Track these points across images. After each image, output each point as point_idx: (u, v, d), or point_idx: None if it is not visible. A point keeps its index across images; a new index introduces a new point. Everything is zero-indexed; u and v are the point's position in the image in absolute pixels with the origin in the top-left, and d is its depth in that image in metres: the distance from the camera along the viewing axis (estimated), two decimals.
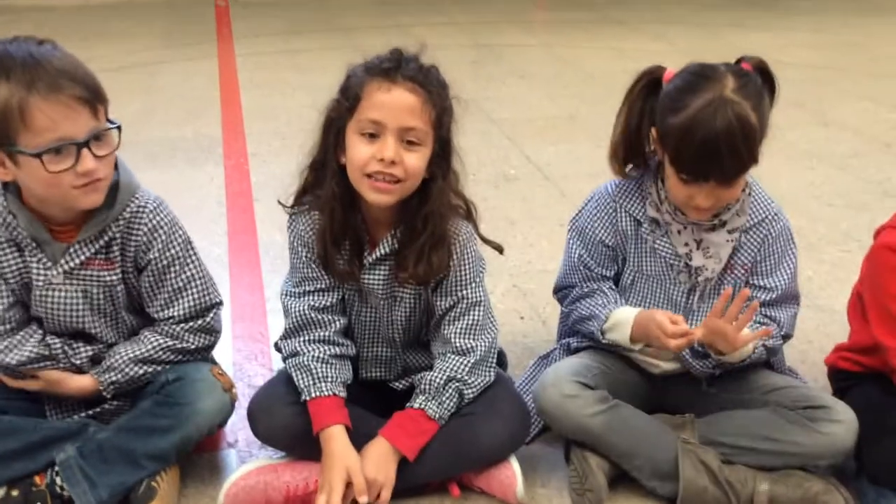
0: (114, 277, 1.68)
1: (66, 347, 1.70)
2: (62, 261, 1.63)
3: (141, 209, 1.67)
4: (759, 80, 1.62)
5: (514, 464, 1.72)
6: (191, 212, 3.07)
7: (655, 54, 5.29)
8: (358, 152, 1.57)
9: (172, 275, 1.70)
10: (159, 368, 1.72)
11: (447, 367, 1.68)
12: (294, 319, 1.72)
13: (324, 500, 1.58)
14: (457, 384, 1.67)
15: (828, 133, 3.96)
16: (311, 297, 1.71)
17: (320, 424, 1.63)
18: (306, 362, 1.67)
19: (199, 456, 1.83)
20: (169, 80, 4.83)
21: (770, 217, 1.75)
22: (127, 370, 1.70)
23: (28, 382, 1.70)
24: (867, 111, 4.27)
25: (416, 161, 1.58)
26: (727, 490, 1.66)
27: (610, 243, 1.79)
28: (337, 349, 1.71)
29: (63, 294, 1.67)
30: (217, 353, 1.88)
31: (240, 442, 1.89)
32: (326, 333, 1.71)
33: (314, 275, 1.71)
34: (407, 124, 1.56)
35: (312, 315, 1.70)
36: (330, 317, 1.72)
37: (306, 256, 1.70)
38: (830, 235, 2.90)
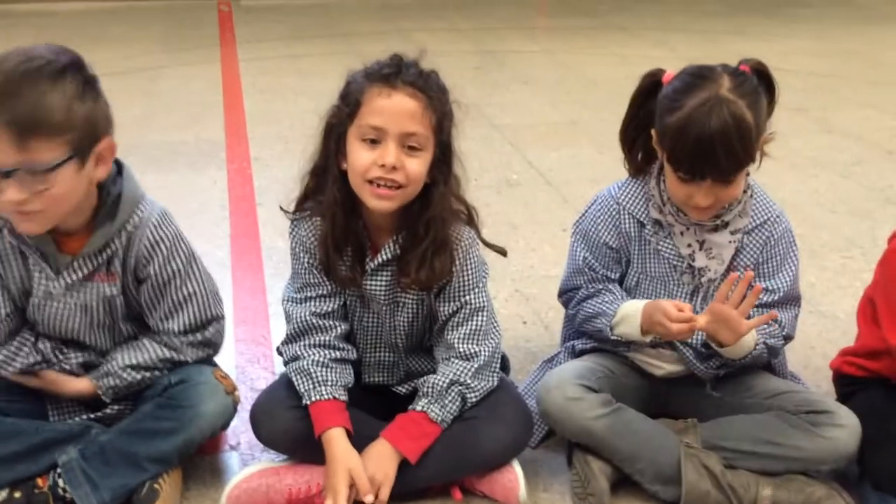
0: (114, 290, 1.67)
1: (57, 353, 1.70)
2: (64, 273, 1.63)
3: (144, 222, 1.64)
4: (755, 80, 1.63)
5: (516, 468, 1.72)
6: (193, 215, 3.08)
7: (657, 61, 5.23)
8: (359, 158, 1.57)
9: (173, 289, 1.69)
10: (158, 374, 1.72)
11: (450, 371, 1.67)
12: (295, 325, 1.72)
13: None
14: (460, 388, 1.67)
15: (831, 140, 3.96)
16: (312, 303, 1.71)
17: (321, 428, 1.62)
18: (306, 366, 1.67)
19: (202, 458, 1.82)
20: (170, 84, 4.83)
21: (772, 219, 1.75)
22: (125, 375, 1.69)
23: (26, 378, 1.69)
24: (869, 119, 4.27)
25: (417, 166, 1.58)
26: (729, 495, 1.66)
27: (614, 245, 1.79)
28: (338, 353, 1.71)
29: (61, 306, 1.66)
30: (219, 357, 1.87)
31: (242, 445, 1.89)
32: (327, 338, 1.71)
33: (316, 280, 1.71)
34: (408, 129, 1.56)
35: (314, 321, 1.70)
36: (331, 322, 1.71)
37: (308, 262, 1.70)
38: (833, 242, 2.90)
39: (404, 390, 1.79)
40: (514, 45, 5.90)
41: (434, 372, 1.71)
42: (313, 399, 1.64)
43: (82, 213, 1.61)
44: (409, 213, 1.64)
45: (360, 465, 1.60)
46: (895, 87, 4.94)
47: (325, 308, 1.71)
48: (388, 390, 1.81)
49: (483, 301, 1.71)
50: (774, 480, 1.67)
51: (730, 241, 1.73)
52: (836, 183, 3.45)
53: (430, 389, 1.66)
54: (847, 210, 3.18)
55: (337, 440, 1.61)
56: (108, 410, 1.73)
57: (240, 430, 1.89)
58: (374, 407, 1.76)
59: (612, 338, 1.75)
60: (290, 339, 1.73)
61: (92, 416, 1.74)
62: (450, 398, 1.66)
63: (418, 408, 1.65)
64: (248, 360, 2.22)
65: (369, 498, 1.58)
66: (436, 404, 1.65)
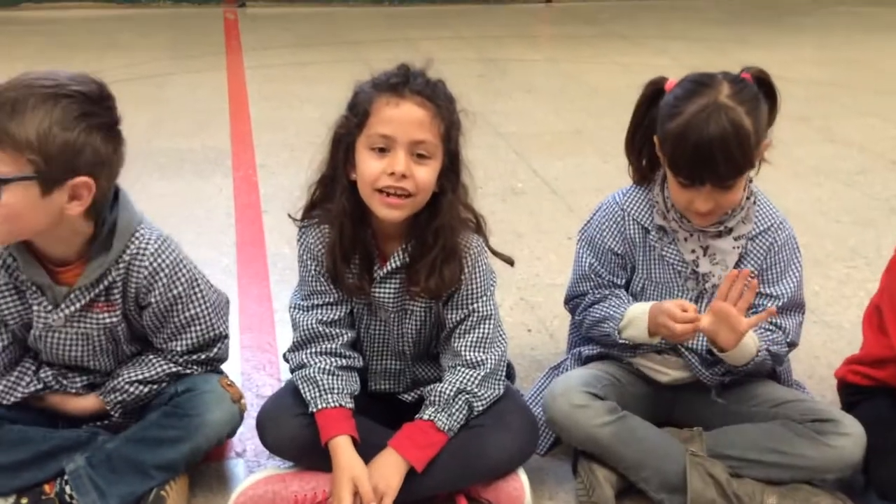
0: (114, 318, 1.66)
1: (60, 378, 1.71)
2: (63, 305, 1.61)
3: (141, 252, 1.61)
4: (755, 87, 1.65)
5: (522, 476, 1.72)
6: (199, 222, 3.09)
7: (659, 69, 5.22)
8: (368, 167, 1.58)
9: (175, 314, 1.68)
10: (164, 386, 1.72)
11: (457, 380, 1.68)
12: (302, 333, 1.72)
13: None
14: (467, 396, 1.67)
15: (834, 149, 3.96)
16: (319, 311, 1.72)
17: (327, 435, 1.63)
18: (313, 374, 1.68)
19: (208, 465, 1.83)
20: (177, 91, 4.85)
21: (776, 225, 1.77)
22: (132, 390, 1.70)
23: (32, 401, 1.71)
24: (873, 128, 4.28)
25: (426, 175, 1.59)
26: (735, 503, 1.66)
27: (619, 251, 1.80)
28: (344, 361, 1.72)
29: (62, 336, 1.66)
30: (225, 364, 1.88)
31: (248, 452, 1.89)
32: (334, 346, 1.71)
33: (323, 288, 1.71)
34: (416, 138, 1.57)
35: (320, 328, 1.71)
36: (338, 330, 1.72)
37: (315, 270, 1.71)
38: (837, 252, 2.91)
39: (410, 398, 1.80)
40: (517, 54, 5.92)
41: (440, 380, 1.72)
42: (320, 407, 1.65)
43: (72, 242, 1.58)
44: (418, 221, 1.65)
45: (365, 474, 1.60)
46: None
47: (331, 316, 1.72)
48: (395, 398, 1.82)
49: (490, 309, 1.72)
50: (780, 490, 1.68)
51: (733, 247, 1.74)
52: (839, 192, 3.46)
53: (437, 398, 1.66)
54: (851, 219, 3.19)
55: (343, 448, 1.62)
56: (114, 418, 1.74)
57: (246, 437, 1.89)
58: (380, 414, 1.76)
59: (620, 341, 1.76)
60: (297, 346, 1.74)
61: (98, 423, 1.74)
62: (457, 407, 1.66)
63: (425, 416, 1.66)
64: (254, 366, 2.23)
65: None
66: (443, 413, 1.65)
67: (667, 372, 1.83)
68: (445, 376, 1.70)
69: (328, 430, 1.63)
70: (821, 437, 1.65)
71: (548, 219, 3.17)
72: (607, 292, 1.81)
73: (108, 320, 1.65)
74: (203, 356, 1.74)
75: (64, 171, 1.46)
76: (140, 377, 1.70)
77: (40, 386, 1.69)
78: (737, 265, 1.76)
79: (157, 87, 4.92)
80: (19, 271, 1.59)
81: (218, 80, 5.10)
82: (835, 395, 1.95)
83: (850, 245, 2.97)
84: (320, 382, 1.66)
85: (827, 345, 2.36)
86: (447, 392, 1.66)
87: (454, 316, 1.71)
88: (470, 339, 1.70)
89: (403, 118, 1.56)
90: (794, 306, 1.79)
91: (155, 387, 1.72)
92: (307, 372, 1.68)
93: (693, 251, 1.76)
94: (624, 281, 1.83)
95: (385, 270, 1.68)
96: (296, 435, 1.68)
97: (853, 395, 1.84)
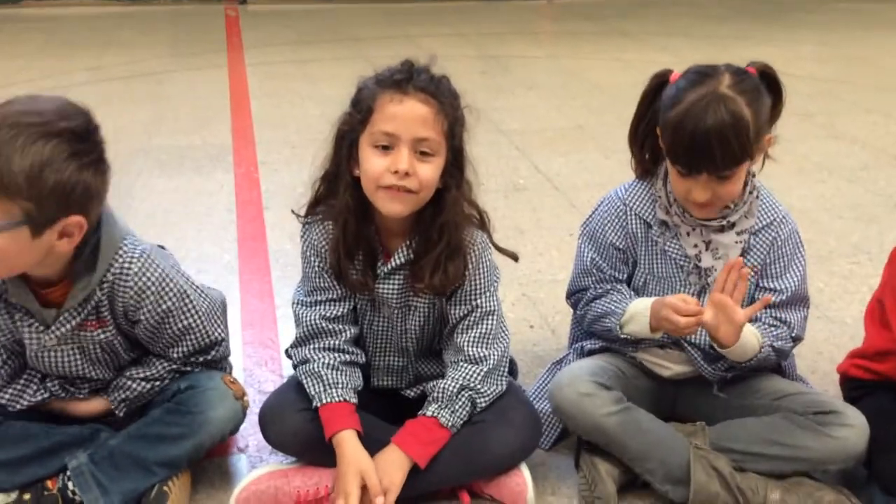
0: (108, 334, 1.64)
1: (66, 385, 1.71)
2: (53, 326, 1.59)
3: (125, 271, 1.57)
4: (757, 80, 1.65)
5: (524, 471, 1.72)
6: (200, 218, 3.09)
7: (661, 66, 5.25)
8: (372, 165, 1.58)
9: (168, 326, 1.66)
10: (167, 383, 1.72)
11: (460, 376, 1.68)
12: (305, 329, 1.72)
13: None
14: (470, 392, 1.67)
15: (837, 146, 3.96)
16: (322, 307, 1.71)
17: (332, 429, 1.63)
18: (317, 369, 1.67)
19: (210, 461, 1.83)
20: (178, 88, 4.85)
21: (778, 220, 1.77)
22: (135, 387, 1.70)
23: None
24: (876, 124, 4.28)
25: (429, 172, 1.58)
26: (738, 497, 1.66)
27: (621, 246, 1.80)
28: (347, 356, 1.71)
29: (59, 353, 1.65)
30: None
31: (251, 447, 1.89)
32: (337, 342, 1.71)
33: (326, 285, 1.71)
34: (420, 135, 1.56)
35: (323, 325, 1.71)
36: (341, 326, 1.72)
37: (318, 266, 1.71)
38: (841, 248, 2.90)
39: (413, 394, 1.79)
40: (519, 51, 5.91)
41: (443, 376, 1.71)
42: (324, 401, 1.64)
43: (55, 265, 1.54)
44: (422, 218, 1.65)
45: (372, 467, 1.60)
46: None
47: (334, 312, 1.71)
48: (397, 394, 1.82)
49: (494, 305, 1.72)
50: (783, 484, 1.67)
51: (736, 242, 1.74)
52: (842, 188, 3.46)
53: (440, 394, 1.66)
54: (854, 216, 3.18)
55: (348, 442, 1.62)
56: (119, 415, 1.73)
57: (248, 432, 1.89)
58: (382, 410, 1.76)
59: (622, 336, 1.76)
60: (300, 342, 1.74)
61: (101, 420, 1.74)
62: (460, 403, 1.66)
63: (429, 413, 1.65)
64: (256, 362, 2.23)
65: (379, 500, 1.58)
66: (446, 409, 1.65)
67: (669, 366, 1.83)
68: (448, 372, 1.70)
69: (333, 424, 1.63)
70: (823, 429, 1.65)
71: (550, 215, 3.16)
72: (609, 287, 1.81)
73: (101, 336, 1.64)
74: (202, 359, 1.74)
75: (56, 212, 1.42)
76: (143, 374, 1.70)
77: (46, 395, 1.69)
78: None
79: (158, 84, 4.92)
80: (9, 294, 1.57)
81: (219, 77, 5.10)
82: (837, 391, 1.95)
83: (853, 241, 2.97)
84: (324, 377, 1.66)
85: (830, 340, 2.35)
86: (450, 388, 1.66)
87: (457, 312, 1.71)
88: (473, 334, 1.70)
89: (407, 115, 1.56)
90: (798, 301, 1.78)
91: (158, 383, 1.71)
92: (311, 367, 1.68)
93: (695, 245, 1.76)
94: (625, 276, 1.83)
95: (389, 267, 1.68)
96: (298, 430, 1.68)
97: (855, 389, 1.84)
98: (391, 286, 1.70)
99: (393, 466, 1.62)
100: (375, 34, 6.37)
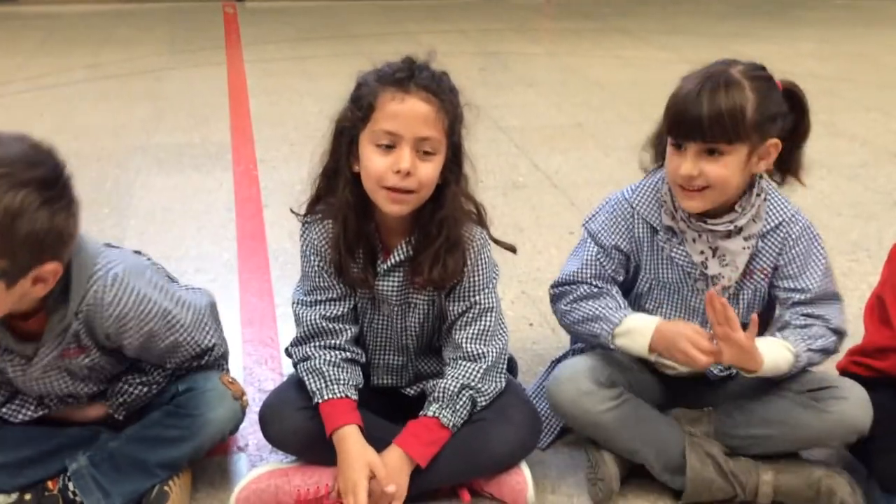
0: (93, 358, 1.61)
1: (65, 399, 1.69)
2: (35, 360, 1.56)
3: (99, 300, 1.51)
4: (771, 79, 1.64)
5: (525, 470, 1.72)
6: (199, 216, 3.09)
7: (661, 63, 5.30)
8: (373, 164, 1.57)
9: (155, 345, 1.62)
10: (164, 385, 1.71)
11: (460, 375, 1.68)
12: (305, 328, 1.72)
13: (352, 502, 1.57)
14: (470, 392, 1.67)
15: (837, 143, 3.95)
16: (322, 307, 1.71)
17: (334, 425, 1.62)
18: (318, 365, 1.67)
19: (210, 460, 1.82)
20: (176, 86, 4.84)
21: (787, 220, 1.73)
22: (132, 390, 1.69)
23: None
24: (876, 121, 4.28)
25: (430, 171, 1.58)
26: (732, 481, 1.68)
27: (625, 249, 1.78)
28: (348, 354, 1.71)
29: (48, 381, 1.63)
30: (228, 359, 1.88)
31: (251, 446, 1.89)
32: (338, 341, 1.71)
33: (326, 284, 1.71)
34: (422, 134, 1.55)
35: (324, 324, 1.70)
36: (341, 326, 1.71)
37: (318, 265, 1.70)
38: (840, 245, 2.90)
39: (413, 392, 1.79)
40: (518, 48, 5.91)
41: (443, 374, 1.71)
42: (325, 397, 1.64)
43: (28, 305, 1.50)
44: (422, 213, 1.64)
45: (379, 459, 1.60)
46: None
47: (335, 312, 1.71)
48: (396, 392, 1.81)
49: (492, 302, 1.72)
50: (774, 465, 1.69)
51: (743, 248, 1.71)
52: (842, 186, 3.45)
53: (440, 394, 1.66)
54: (853, 213, 3.18)
55: (351, 436, 1.61)
56: (118, 419, 1.72)
57: (248, 431, 1.89)
58: (382, 409, 1.76)
59: (611, 346, 1.73)
60: (300, 341, 1.73)
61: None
62: (461, 403, 1.66)
63: (430, 413, 1.65)
64: (256, 361, 2.22)
65: (391, 487, 1.57)
66: (447, 409, 1.65)
67: (672, 366, 1.82)
68: (447, 371, 1.70)
69: (335, 419, 1.62)
70: (819, 405, 1.65)
71: (549, 213, 3.16)
72: (604, 289, 1.77)
73: (85, 360, 1.61)
74: (196, 364, 1.72)
75: (29, 262, 1.38)
76: (140, 379, 1.69)
77: (45, 411, 1.68)
78: (749, 264, 1.72)
79: (157, 82, 4.91)
80: None
81: (217, 74, 5.09)
82: None
83: (852, 238, 2.97)
84: (326, 374, 1.66)
85: None
86: (451, 388, 1.66)
87: (456, 308, 1.70)
88: (471, 331, 1.70)
89: (409, 114, 1.55)
90: (826, 296, 1.73)
91: (155, 387, 1.70)
92: (312, 363, 1.68)
93: (702, 252, 1.72)
94: (622, 279, 1.81)
95: (389, 263, 1.68)
96: (299, 428, 1.68)
97: None
98: (391, 283, 1.69)
99: (397, 470, 1.61)
100: (374, 31, 6.36)
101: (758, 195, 1.71)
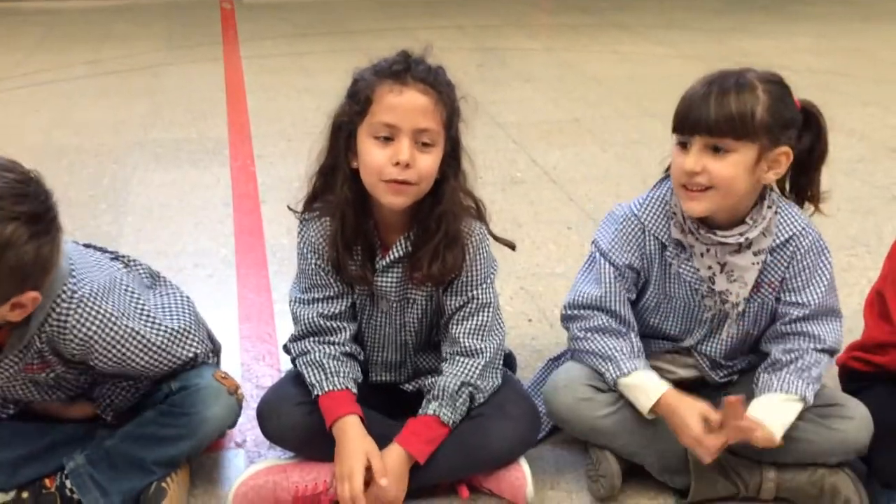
0: (58, 371, 1.59)
1: (43, 399, 1.68)
2: None
3: (62, 324, 1.49)
4: (788, 90, 1.61)
5: (524, 466, 1.72)
6: (197, 212, 3.08)
7: (658, 58, 5.29)
8: (372, 157, 1.57)
9: (128, 366, 1.59)
10: (153, 383, 1.69)
11: (458, 372, 1.67)
12: (303, 327, 1.71)
13: (347, 488, 1.56)
14: (469, 388, 1.67)
15: (834, 138, 3.88)
16: (319, 305, 1.71)
17: (334, 415, 1.62)
18: (318, 358, 1.67)
19: (208, 456, 1.82)
20: (174, 81, 4.83)
21: (797, 234, 1.69)
22: (120, 392, 1.68)
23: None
24: (873, 116, 4.27)
25: (430, 163, 1.58)
26: (736, 480, 1.68)
27: (637, 267, 1.74)
28: (347, 349, 1.71)
29: (13, 388, 1.61)
30: (224, 355, 1.88)
31: (248, 442, 1.89)
32: (336, 339, 1.71)
33: (323, 282, 1.70)
34: (421, 126, 1.55)
35: (321, 322, 1.70)
36: (339, 324, 1.71)
37: (315, 263, 1.69)
38: (838, 240, 2.89)
39: (411, 388, 1.79)
40: (515, 43, 5.90)
41: (440, 370, 1.71)
42: (326, 389, 1.63)
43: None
44: (421, 208, 1.64)
45: (377, 450, 1.59)
46: None
47: (332, 309, 1.71)
48: (394, 388, 1.81)
49: (490, 297, 1.71)
50: (777, 462, 1.69)
51: (752, 263, 1.67)
52: (839, 181, 3.45)
53: (440, 392, 1.65)
54: (851, 208, 3.18)
55: (353, 426, 1.61)
56: (108, 420, 1.71)
57: (246, 427, 1.89)
58: (379, 405, 1.75)
59: (610, 385, 1.69)
60: (298, 338, 1.73)
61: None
62: (460, 400, 1.66)
63: (430, 412, 1.65)
64: (254, 357, 2.22)
65: (384, 481, 1.57)
66: (447, 407, 1.65)
67: (675, 371, 1.82)
68: (445, 367, 1.69)
69: (336, 410, 1.62)
70: (824, 422, 1.65)
71: (547, 208, 3.16)
72: (622, 331, 1.72)
73: (50, 374, 1.59)
74: (181, 370, 1.68)
75: (11, 291, 1.39)
76: (127, 382, 1.68)
77: (22, 407, 1.67)
78: (757, 280, 1.69)
79: (155, 78, 4.90)
80: None
81: (215, 70, 5.08)
82: (836, 383, 1.94)
83: (850, 233, 2.96)
84: (326, 366, 1.66)
85: None
86: (451, 386, 1.65)
87: (454, 302, 1.70)
88: (468, 325, 1.70)
89: (407, 106, 1.55)
90: (826, 312, 1.71)
91: (143, 388, 1.69)
92: (312, 356, 1.68)
93: (709, 267, 1.69)
94: (634, 297, 1.77)
95: (388, 260, 1.67)
96: (297, 423, 1.67)
97: (854, 381, 1.84)
98: (390, 279, 1.69)
99: (397, 468, 1.61)
100: (371, 27, 6.35)
101: (769, 207, 1.67)
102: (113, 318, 1.52)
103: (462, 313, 1.70)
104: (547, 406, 1.74)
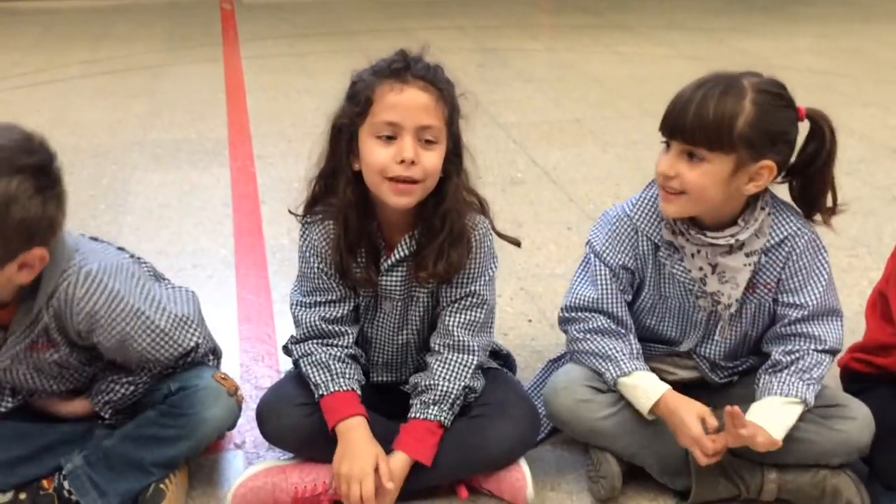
0: (62, 354, 1.59)
1: (40, 394, 1.68)
2: (3, 348, 1.55)
3: (70, 296, 1.50)
4: (786, 101, 1.57)
5: (524, 467, 1.71)
6: (196, 213, 3.08)
7: (659, 59, 5.28)
8: (376, 156, 1.56)
9: (130, 347, 1.59)
10: (152, 384, 1.68)
11: (454, 375, 1.67)
12: (305, 330, 1.71)
13: (357, 490, 1.55)
14: (467, 391, 1.68)
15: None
16: (321, 308, 1.70)
17: (339, 415, 1.61)
18: (324, 359, 1.66)
19: (207, 458, 1.82)
20: (173, 82, 4.83)
21: (792, 234, 1.66)
22: (118, 388, 1.67)
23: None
24: (873, 117, 4.27)
25: (434, 160, 1.57)
26: (737, 482, 1.67)
27: (631, 267, 1.73)
28: (350, 351, 1.71)
29: (16, 373, 1.61)
30: (224, 355, 1.87)
31: (247, 443, 1.88)
32: (339, 342, 1.70)
33: (325, 286, 1.69)
34: (423, 123, 1.55)
35: (323, 326, 1.69)
36: (340, 328, 1.70)
37: (318, 267, 1.69)
38: (839, 241, 2.87)
39: (410, 389, 1.78)
40: (516, 44, 5.89)
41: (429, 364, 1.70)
42: (331, 389, 1.63)
43: (8, 293, 1.50)
44: (425, 207, 1.63)
45: (384, 453, 1.59)
46: None
47: (335, 313, 1.70)
48: (394, 388, 1.80)
49: (487, 294, 1.71)
50: (779, 464, 1.68)
51: (745, 264, 1.65)
52: (840, 181, 3.40)
53: (440, 397, 1.64)
54: (852, 209, 3.12)
55: (360, 427, 1.60)
56: (106, 419, 1.70)
57: (245, 428, 1.88)
58: (379, 404, 1.74)
59: (610, 385, 1.69)
60: (301, 340, 1.72)
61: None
62: (459, 402, 1.66)
63: (431, 416, 1.64)
64: (253, 358, 2.21)
65: (391, 484, 1.57)
66: (449, 412, 1.65)
67: (675, 372, 1.81)
68: (437, 367, 1.68)
69: (341, 410, 1.61)
70: (826, 422, 1.64)
71: (547, 209, 3.15)
72: (621, 332, 1.72)
73: (55, 356, 1.59)
74: (182, 362, 1.69)
75: (19, 247, 1.40)
76: (126, 378, 1.66)
77: (21, 401, 1.66)
78: (752, 279, 1.68)
79: (154, 78, 4.89)
80: None
81: (214, 70, 5.08)
82: (838, 384, 1.93)
83: (851, 234, 2.95)
84: (332, 367, 1.65)
85: None
86: (454, 390, 1.65)
87: (452, 293, 1.69)
88: (463, 318, 1.69)
89: (409, 104, 1.54)
90: (824, 312, 1.69)
91: (142, 386, 1.68)
92: (316, 357, 1.67)
93: (700, 268, 1.67)
94: (630, 298, 1.76)
95: (392, 260, 1.67)
96: (297, 425, 1.67)
97: (856, 383, 1.83)
98: (394, 279, 1.68)
99: (400, 473, 1.61)
100: (372, 27, 6.34)
101: (762, 209, 1.64)
102: (119, 296, 1.54)
103: (459, 305, 1.70)
104: (547, 408, 1.73)
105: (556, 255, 2.77)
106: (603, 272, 1.72)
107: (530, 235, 2.91)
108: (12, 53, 5.50)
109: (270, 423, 1.69)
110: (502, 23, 6.65)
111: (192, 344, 1.66)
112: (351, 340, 1.71)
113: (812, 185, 1.66)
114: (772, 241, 1.67)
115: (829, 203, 1.68)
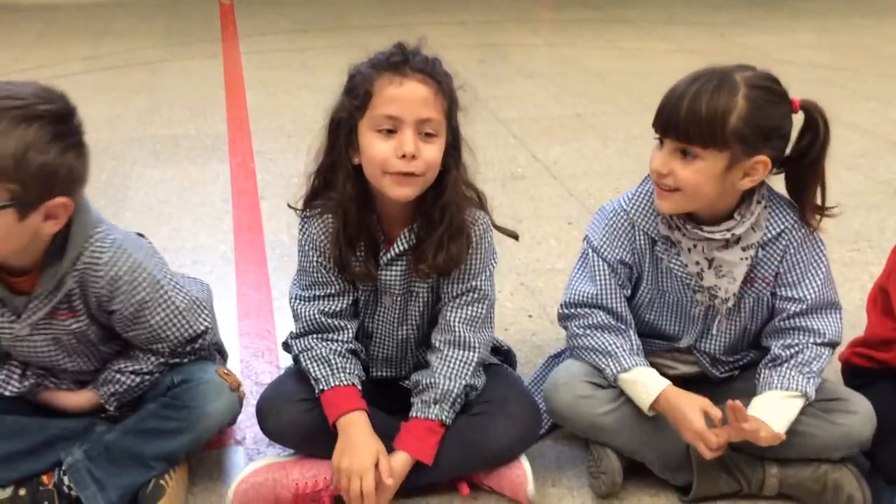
0: (82, 324, 1.61)
1: (50, 377, 1.68)
2: (25, 315, 1.56)
3: (96, 261, 1.54)
4: (779, 96, 1.56)
5: (524, 463, 1.71)
6: (196, 208, 3.07)
7: (660, 53, 5.28)
8: (376, 150, 1.55)
9: (144, 319, 1.61)
10: (158, 377, 1.69)
11: (455, 373, 1.66)
12: (304, 324, 1.70)
13: (358, 485, 1.55)
14: (468, 388, 1.67)
15: (836, 133, 3.88)
16: (321, 302, 1.69)
17: (341, 410, 1.60)
18: (324, 354, 1.66)
19: (208, 453, 1.81)
20: (173, 78, 4.83)
21: (789, 227, 1.66)
22: (124, 380, 1.67)
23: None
24: (875, 111, 4.26)
25: (434, 153, 1.56)
26: (738, 477, 1.67)
27: (629, 262, 1.72)
28: (350, 346, 1.70)
29: (34, 344, 1.62)
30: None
31: (248, 439, 1.88)
32: (338, 336, 1.70)
33: (324, 280, 1.69)
34: (423, 116, 1.54)
35: (323, 320, 1.69)
36: (340, 322, 1.70)
37: (317, 261, 1.68)
38: (841, 235, 2.88)
39: (411, 384, 1.78)
40: (517, 39, 5.89)
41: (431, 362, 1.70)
42: (332, 384, 1.62)
43: (31, 253, 1.52)
44: (424, 200, 1.63)
45: (385, 449, 1.59)
46: None
47: (334, 307, 1.69)
48: (394, 384, 1.80)
49: (488, 290, 1.70)
50: (780, 458, 1.68)
51: (741, 259, 1.65)
52: (842, 176, 3.44)
53: (441, 397, 1.64)
54: (854, 203, 3.16)
55: (361, 422, 1.60)
56: (110, 411, 1.71)
57: (245, 424, 1.88)
58: (378, 399, 1.74)
59: (612, 383, 1.68)
60: (300, 335, 1.72)
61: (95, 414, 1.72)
62: (460, 400, 1.66)
63: (432, 416, 1.64)
64: (253, 353, 2.21)
65: (390, 480, 1.57)
66: (451, 410, 1.65)
67: (675, 366, 1.81)
68: (438, 365, 1.67)
69: (342, 405, 1.61)
70: (827, 416, 1.64)
71: (548, 204, 3.15)
72: (621, 328, 1.71)
73: (74, 326, 1.61)
74: (188, 348, 1.70)
75: (41, 194, 1.42)
76: (132, 368, 1.67)
77: (32, 382, 1.67)
78: (746, 276, 1.67)
79: (153, 74, 4.89)
80: None
81: (214, 66, 5.08)
82: (839, 379, 1.93)
83: (853, 228, 2.95)
84: (332, 362, 1.65)
85: None
86: (456, 389, 1.64)
87: (453, 289, 1.69)
88: (465, 314, 1.69)
89: (408, 96, 1.54)
90: (824, 306, 1.69)
91: (148, 377, 1.68)
92: (317, 352, 1.66)
93: (697, 263, 1.67)
94: (629, 292, 1.76)
95: (392, 253, 1.66)
96: (297, 421, 1.66)
97: (857, 378, 1.83)
98: (394, 273, 1.68)
99: (401, 471, 1.61)
100: (372, 22, 6.34)
101: (758, 202, 1.64)
102: (142, 266, 1.58)
103: (460, 300, 1.69)
104: (547, 404, 1.73)
105: (557, 250, 2.77)
106: (601, 267, 1.72)
107: (531, 230, 2.90)
108: (14, 49, 5.49)
109: (270, 420, 1.69)
110: (503, 18, 6.65)
111: (202, 328, 1.68)
112: (351, 335, 1.71)
113: (803, 175, 1.66)
114: (769, 235, 1.66)
115: (819, 200, 1.68)
